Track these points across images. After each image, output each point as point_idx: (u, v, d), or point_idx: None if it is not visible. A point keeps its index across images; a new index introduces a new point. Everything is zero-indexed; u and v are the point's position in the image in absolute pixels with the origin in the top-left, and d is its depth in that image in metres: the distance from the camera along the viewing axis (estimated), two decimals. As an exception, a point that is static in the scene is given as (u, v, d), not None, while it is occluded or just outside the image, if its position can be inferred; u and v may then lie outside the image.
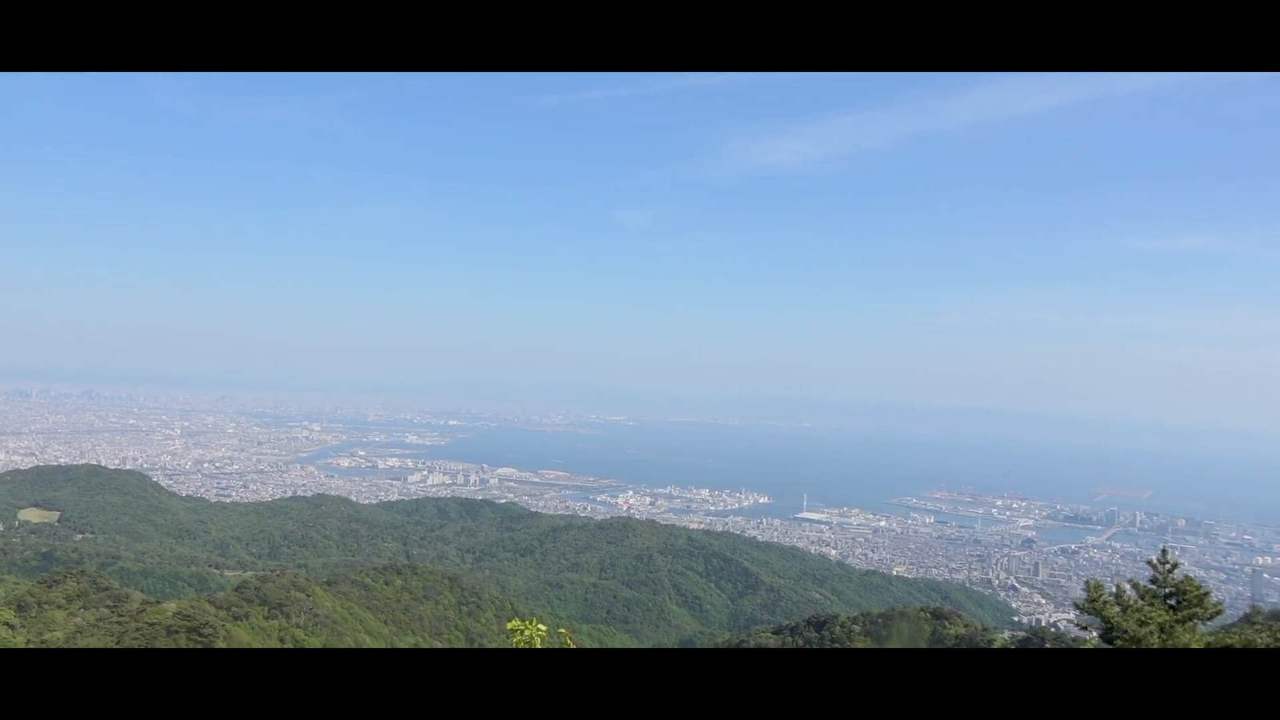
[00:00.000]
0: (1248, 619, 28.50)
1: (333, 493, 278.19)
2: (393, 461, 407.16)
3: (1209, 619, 25.17)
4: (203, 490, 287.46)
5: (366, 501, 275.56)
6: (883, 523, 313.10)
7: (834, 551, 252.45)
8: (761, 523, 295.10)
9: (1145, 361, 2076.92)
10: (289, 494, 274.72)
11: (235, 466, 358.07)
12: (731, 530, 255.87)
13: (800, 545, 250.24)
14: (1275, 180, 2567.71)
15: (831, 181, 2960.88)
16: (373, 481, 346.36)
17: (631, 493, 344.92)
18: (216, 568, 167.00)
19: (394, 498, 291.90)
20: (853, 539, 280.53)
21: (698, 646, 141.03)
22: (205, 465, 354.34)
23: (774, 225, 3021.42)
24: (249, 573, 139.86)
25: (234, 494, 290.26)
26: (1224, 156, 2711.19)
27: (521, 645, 8.21)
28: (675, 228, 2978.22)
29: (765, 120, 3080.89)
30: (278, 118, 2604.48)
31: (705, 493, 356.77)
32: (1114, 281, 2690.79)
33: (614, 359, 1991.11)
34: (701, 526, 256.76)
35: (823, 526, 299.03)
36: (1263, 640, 23.17)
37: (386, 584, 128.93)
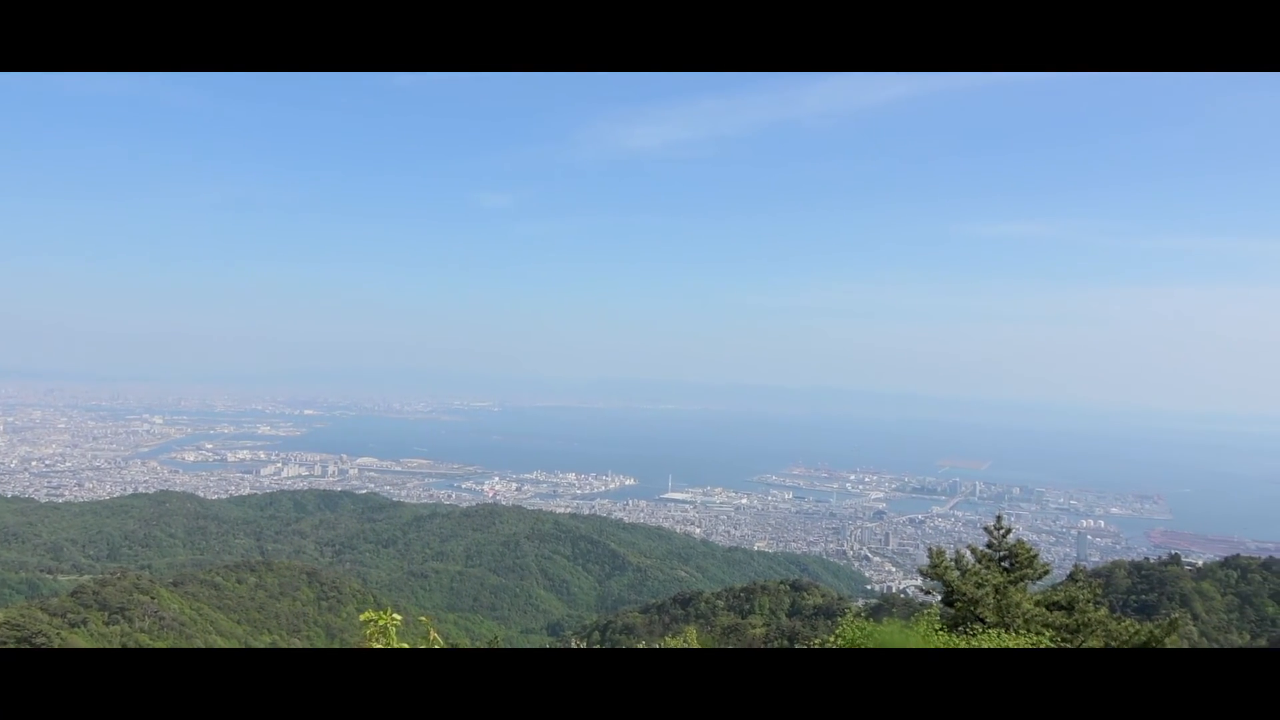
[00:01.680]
0: (1071, 577, 31.02)
1: (177, 488, 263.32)
2: (244, 454, 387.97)
3: (1038, 579, 27.25)
4: (31, 490, 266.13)
5: (215, 497, 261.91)
6: (744, 500, 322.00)
7: (698, 530, 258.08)
8: (628, 504, 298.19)
9: (980, 340, 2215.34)
10: (129, 491, 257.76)
11: (68, 464, 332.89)
12: (598, 513, 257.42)
13: (666, 525, 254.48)
14: (1100, 170, 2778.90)
15: (691, 166, 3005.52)
16: (222, 475, 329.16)
17: (497, 479, 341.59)
18: (49, 572, 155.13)
19: (245, 492, 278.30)
20: (716, 517, 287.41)
21: (565, 630, 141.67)
22: (33, 463, 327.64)
23: (636, 209, 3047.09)
24: (86, 576, 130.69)
25: (67, 493, 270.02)
26: (1053, 148, 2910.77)
27: (375, 636, 8.04)
28: (539, 211, 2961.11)
29: (625, 104, 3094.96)
30: (103, 90, 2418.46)
31: (572, 476, 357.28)
32: (952, 264, 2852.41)
33: (478, 345, 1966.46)
34: (568, 510, 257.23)
35: (687, 506, 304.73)
36: (1084, 596, 25.25)
37: (239, 582, 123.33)
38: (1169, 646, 24.75)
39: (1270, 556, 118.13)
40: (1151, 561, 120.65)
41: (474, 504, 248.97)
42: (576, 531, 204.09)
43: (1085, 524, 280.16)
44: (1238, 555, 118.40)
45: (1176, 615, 28.52)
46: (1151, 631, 24.66)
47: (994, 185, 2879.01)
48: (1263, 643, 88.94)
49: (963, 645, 17.33)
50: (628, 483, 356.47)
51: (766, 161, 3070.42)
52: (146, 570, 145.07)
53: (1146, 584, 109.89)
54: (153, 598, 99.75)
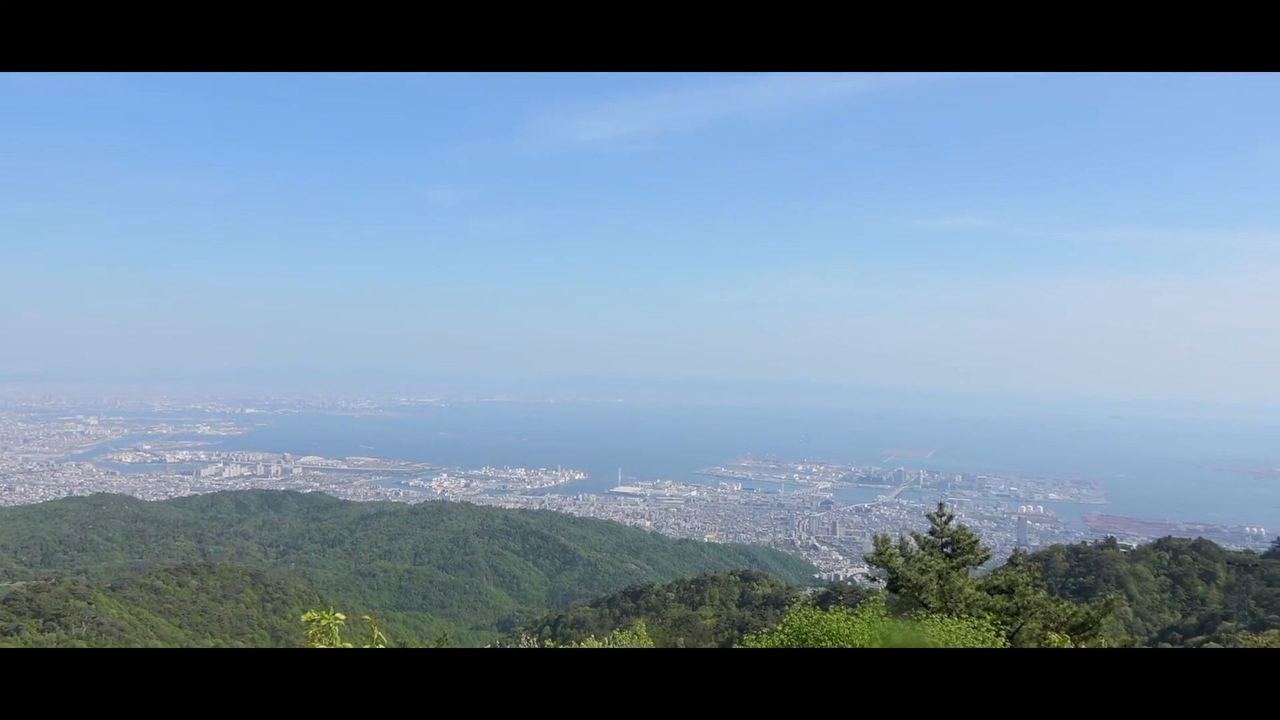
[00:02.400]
0: (1012, 561, 31.94)
1: (114, 490, 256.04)
2: (183, 454, 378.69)
3: (980, 564, 27.90)
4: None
5: (154, 499, 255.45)
6: (694, 492, 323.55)
7: (649, 523, 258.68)
8: (578, 499, 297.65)
9: (920, 332, 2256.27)
10: (63, 494, 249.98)
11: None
12: (548, 508, 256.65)
13: (616, 519, 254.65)
14: (1038, 164, 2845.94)
15: (640, 160, 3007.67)
16: (160, 477, 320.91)
17: (446, 476, 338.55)
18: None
19: (186, 493, 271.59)
20: (666, 509, 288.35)
21: (516, 626, 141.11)
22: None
23: (584, 203, 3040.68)
24: (18, 583, 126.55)
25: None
26: (989, 144, 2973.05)
27: (318, 637, 7.93)
28: (487, 206, 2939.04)
29: (573, 97, 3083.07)
30: (36, 84, 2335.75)
31: (521, 472, 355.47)
32: (893, 257, 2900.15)
33: (425, 341, 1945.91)
34: (518, 506, 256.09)
35: (637, 499, 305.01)
36: (1024, 579, 25.89)
37: (180, 585, 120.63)
38: (1105, 628, 25.51)
39: (1200, 538, 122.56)
40: (1088, 545, 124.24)
41: (422, 501, 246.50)
42: (526, 527, 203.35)
43: (1025, 510, 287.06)
44: (1169, 537, 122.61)
45: (1112, 596, 29.42)
46: (1088, 613, 25.41)
47: (933, 179, 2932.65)
48: (1193, 620, 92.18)
49: (907, 629, 17.69)
50: (577, 477, 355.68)
51: (711, 155, 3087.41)
52: (83, 575, 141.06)
53: (1084, 567, 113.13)
54: (90, 603, 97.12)
